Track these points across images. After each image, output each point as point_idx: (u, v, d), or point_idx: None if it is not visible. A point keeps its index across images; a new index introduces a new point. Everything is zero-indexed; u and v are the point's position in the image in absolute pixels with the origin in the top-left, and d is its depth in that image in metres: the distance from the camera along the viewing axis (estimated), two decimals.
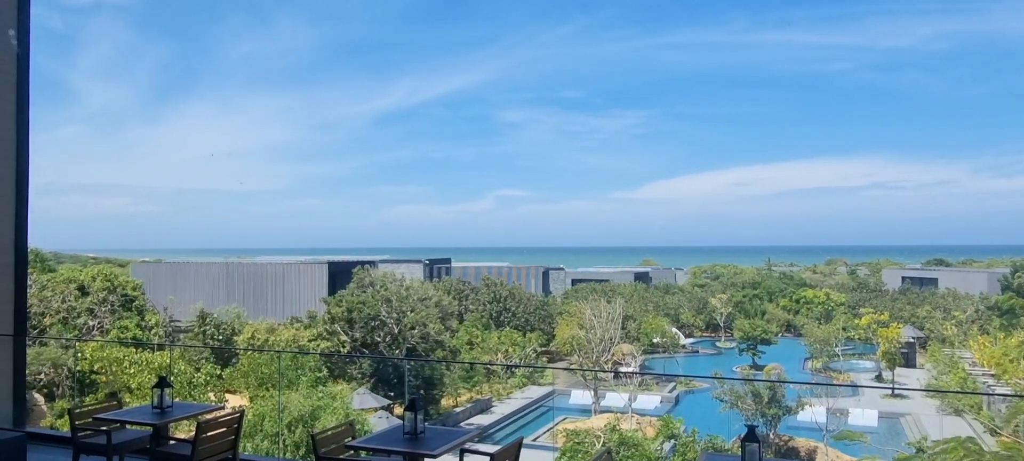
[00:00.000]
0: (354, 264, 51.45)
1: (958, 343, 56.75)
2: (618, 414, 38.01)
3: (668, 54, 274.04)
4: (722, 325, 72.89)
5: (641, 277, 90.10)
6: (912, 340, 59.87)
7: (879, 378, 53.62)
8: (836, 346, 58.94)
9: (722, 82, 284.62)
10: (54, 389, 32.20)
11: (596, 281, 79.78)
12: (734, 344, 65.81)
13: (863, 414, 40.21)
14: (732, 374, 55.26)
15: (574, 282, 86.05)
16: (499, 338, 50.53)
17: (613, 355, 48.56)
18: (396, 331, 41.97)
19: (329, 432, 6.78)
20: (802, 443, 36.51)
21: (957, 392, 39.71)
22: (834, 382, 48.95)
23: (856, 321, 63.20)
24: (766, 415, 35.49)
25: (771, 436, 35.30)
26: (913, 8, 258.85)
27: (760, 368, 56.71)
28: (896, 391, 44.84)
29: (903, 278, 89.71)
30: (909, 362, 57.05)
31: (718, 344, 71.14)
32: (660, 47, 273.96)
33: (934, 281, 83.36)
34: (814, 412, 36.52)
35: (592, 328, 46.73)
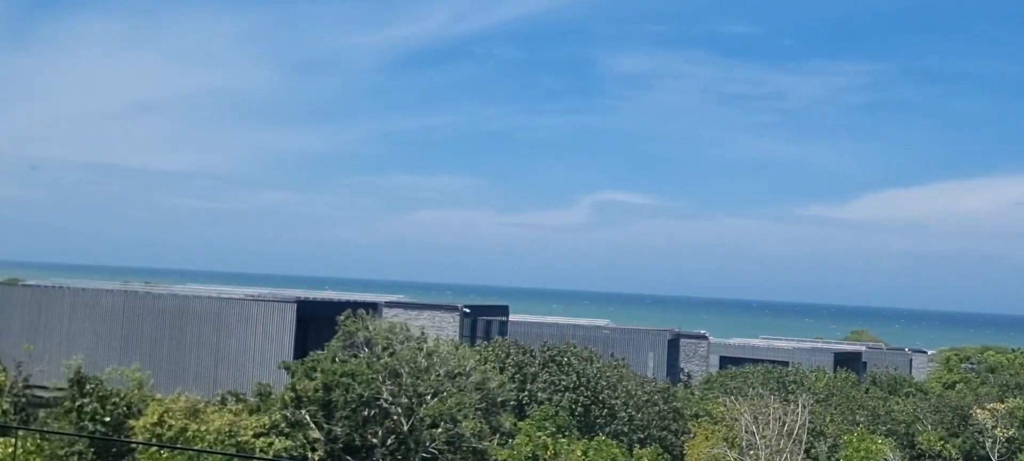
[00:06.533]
0: (341, 306, 37.25)
1: None
2: None
3: None
4: (992, 457, 49.86)
5: (846, 360, 63.64)
6: None
7: None
8: None
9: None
10: None
11: (763, 362, 55.86)
12: None
13: None
14: None
15: (723, 361, 61.68)
16: (586, 452, 33.81)
17: None
18: (406, 428, 30.73)
19: None
20: None
21: None
22: None
23: None
24: None
25: None
26: None
27: None
28: None
29: None
30: None
31: None
32: None
33: None
34: None
35: (752, 447, 31.38)
